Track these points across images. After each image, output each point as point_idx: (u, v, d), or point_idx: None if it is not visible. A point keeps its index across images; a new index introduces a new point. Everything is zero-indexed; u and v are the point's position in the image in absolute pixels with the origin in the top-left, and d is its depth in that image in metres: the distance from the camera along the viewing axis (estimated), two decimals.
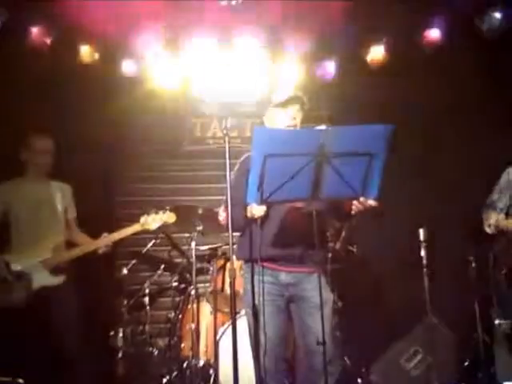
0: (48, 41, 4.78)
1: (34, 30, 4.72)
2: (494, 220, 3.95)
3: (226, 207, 2.90)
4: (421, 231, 4.10)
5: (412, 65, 5.18)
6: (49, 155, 3.88)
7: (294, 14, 4.81)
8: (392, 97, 5.20)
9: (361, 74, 5.36)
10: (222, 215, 3.07)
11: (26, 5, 4.56)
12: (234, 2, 4.65)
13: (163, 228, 4.07)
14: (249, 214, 2.87)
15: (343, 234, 4.46)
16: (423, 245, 4.07)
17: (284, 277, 2.98)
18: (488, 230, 3.99)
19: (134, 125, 5.70)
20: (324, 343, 2.70)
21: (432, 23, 5.01)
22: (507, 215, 3.96)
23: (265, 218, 2.86)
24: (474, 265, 4.27)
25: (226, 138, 2.90)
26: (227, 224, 2.84)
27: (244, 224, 2.98)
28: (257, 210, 2.82)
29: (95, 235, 3.85)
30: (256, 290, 2.95)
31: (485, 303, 4.10)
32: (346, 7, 4.67)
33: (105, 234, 3.79)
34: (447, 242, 4.69)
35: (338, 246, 4.40)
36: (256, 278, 2.95)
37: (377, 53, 5.24)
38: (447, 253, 4.62)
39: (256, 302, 2.93)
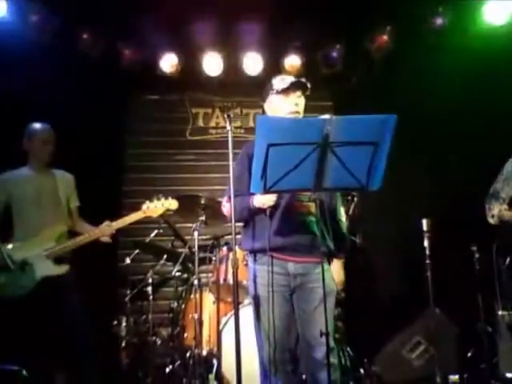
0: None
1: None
2: (497, 211, 3.93)
3: (230, 198, 2.89)
4: (424, 221, 4.08)
5: (416, 54, 5.14)
6: (50, 145, 3.87)
7: (297, 3, 4.78)
8: (395, 86, 5.17)
9: (364, 63, 5.33)
10: (226, 206, 3.04)
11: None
12: None
13: (166, 216, 4.06)
14: (258, 205, 2.86)
15: (346, 224, 4.45)
16: (426, 235, 4.05)
17: (292, 267, 2.95)
18: (491, 221, 3.97)
19: (136, 115, 5.71)
20: (327, 334, 2.69)
21: (436, 12, 4.97)
22: (510, 205, 3.94)
23: (274, 207, 2.85)
24: (477, 255, 4.26)
25: (229, 128, 2.89)
26: (231, 217, 2.83)
27: (248, 215, 2.96)
28: (267, 200, 2.81)
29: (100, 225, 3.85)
30: (261, 280, 2.94)
31: (488, 294, 4.09)
32: None
33: (107, 222, 3.79)
34: (451, 232, 4.67)
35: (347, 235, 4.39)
36: (264, 268, 2.93)
37: (380, 42, 5.20)
38: (450, 243, 4.61)
39: (260, 292, 2.93)
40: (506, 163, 4.01)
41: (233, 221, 2.82)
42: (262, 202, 2.85)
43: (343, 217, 3.26)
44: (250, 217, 2.99)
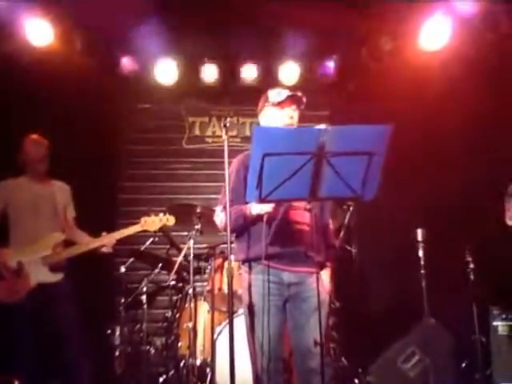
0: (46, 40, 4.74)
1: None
2: None
3: (224, 207, 2.88)
4: (418, 231, 4.09)
5: (412, 64, 5.15)
6: (44, 160, 3.87)
7: (295, 13, 4.80)
8: (391, 96, 5.18)
9: (360, 73, 5.35)
10: (220, 215, 3.02)
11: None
12: None
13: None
14: (255, 211, 2.85)
15: (341, 233, 4.45)
16: (421, 245, 4.06)
17: (287, 277, 2.95)
18: (509, 223, 3.86)
19: (132, 123, 5.72)
20: (322, 344, 2.69)
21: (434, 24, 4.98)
22: None
23: (272, 215, 2.84)
24: (472, 266, 4.26)
25: (225, 137, 2.90)
26: (224, 227, 2.84)
27: (243, 223, 2.94)
28: (265, 206, 2.80)
29: (97, 233, 3.84)
30: (256, 289, 2.93)
31: (482, 304, 4.09)
32: (347, 7, 4.66)
33: (104, 233, 3.79)
34: (445, 242, 4.68)
35: (336, 245, 4.39)
36: (259, 277, 2.93)
37: (375, 53, 5.22)
38: (445, 253, 4.61)
39: (255, 301, 2.92)
40: None
41: (228, 229, 2.81)
42: (259, 208, 2.83)
43: (331, 225, 3.27)
44: (245, 226, 2.97)
